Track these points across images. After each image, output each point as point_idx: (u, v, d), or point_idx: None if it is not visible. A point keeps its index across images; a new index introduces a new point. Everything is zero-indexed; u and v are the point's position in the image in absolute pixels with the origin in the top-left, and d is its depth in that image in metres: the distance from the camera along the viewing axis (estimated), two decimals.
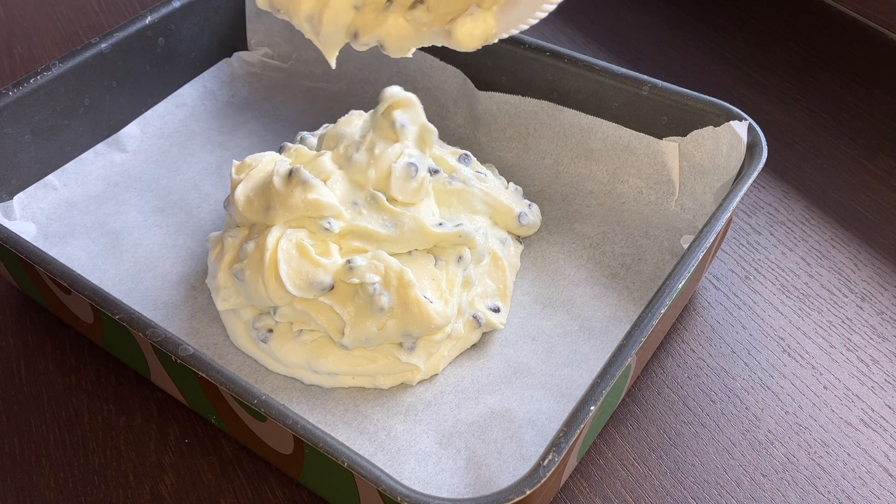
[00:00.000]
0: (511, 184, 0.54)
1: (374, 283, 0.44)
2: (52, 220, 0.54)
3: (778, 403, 0.47)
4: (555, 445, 0.36)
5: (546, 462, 0.35)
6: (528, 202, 0.54)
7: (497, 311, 0.49)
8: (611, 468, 0.44)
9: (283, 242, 0.45)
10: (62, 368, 0.49)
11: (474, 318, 0.48)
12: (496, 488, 0.40)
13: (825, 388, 0.48)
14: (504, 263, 0.50)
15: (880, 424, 0.46)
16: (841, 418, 0.46)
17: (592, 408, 0.37)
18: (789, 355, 0.49)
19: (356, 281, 0.45)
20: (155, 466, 0.45)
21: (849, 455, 0.45)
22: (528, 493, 0.35)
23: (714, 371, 0.48)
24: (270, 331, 0.47)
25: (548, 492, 0.41)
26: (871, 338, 0.50)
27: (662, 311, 0.40)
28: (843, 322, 0.51)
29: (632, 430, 0.46)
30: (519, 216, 0.52)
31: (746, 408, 0.47)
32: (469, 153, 0.53)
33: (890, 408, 0.47)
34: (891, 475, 0.44)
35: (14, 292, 0.53)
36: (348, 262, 0.45)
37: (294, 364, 0.46)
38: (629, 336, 0.40)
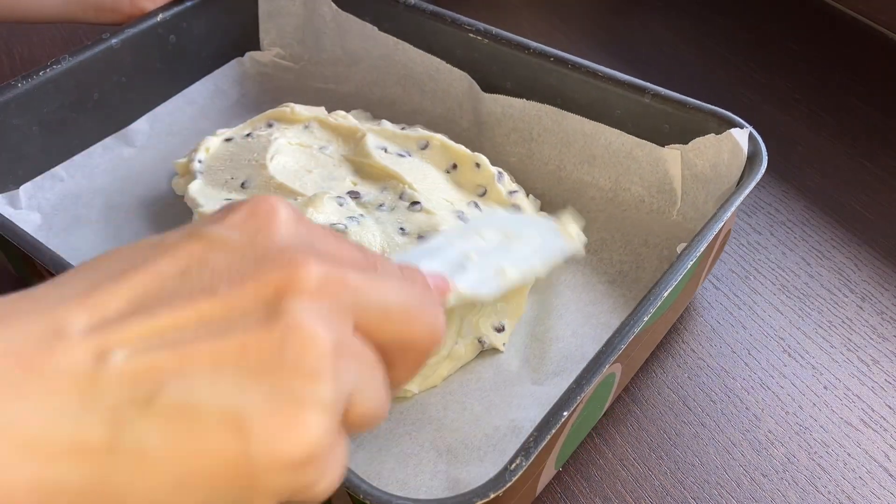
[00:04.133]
0: (531, 195, 0.55)
1: None
2: (56, 211, 0.54)
3: (778, 403, 0.47)
4: (523, 450, 0.35)
5: (513, 466, 0.34)
6: (545, 213, 0.54)
7: (501, 330, 0.48)
8: (611, 468, 0.44)
9: None
10: None
11: (479, 341, 0.47)
12: None
13: (825, 388, 0.48)
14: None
15: (880, 424, 0.46)
16: (841, 418, 0.46)
17: (565, 414, 0.36)
18: (789, 355, 0.49)
19: None
20: None
21: (849, 455, 0.45)
22: (491, 496, 0.34)
23: (714, 371, 0.48)
24: None
25: (520, 498, 0.40)
26: (871, 338, 0.50)
27: (646, 318, 0.40)
28: (843, 322, 0.51)
29: (632, 430, 0.46)
30: None
31: (746, 408, 0.47)
32: (503, 171, 0.53)
33: (890, 408, 0.47)
34: (891, 475, 0.44)
35: (14, 286, 0.53)
36: None
37: None
38: (609, 343, 0.39)
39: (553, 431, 0.36)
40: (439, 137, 0.55)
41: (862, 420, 0.46)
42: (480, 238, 0.40)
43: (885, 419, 0.46)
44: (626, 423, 0.46)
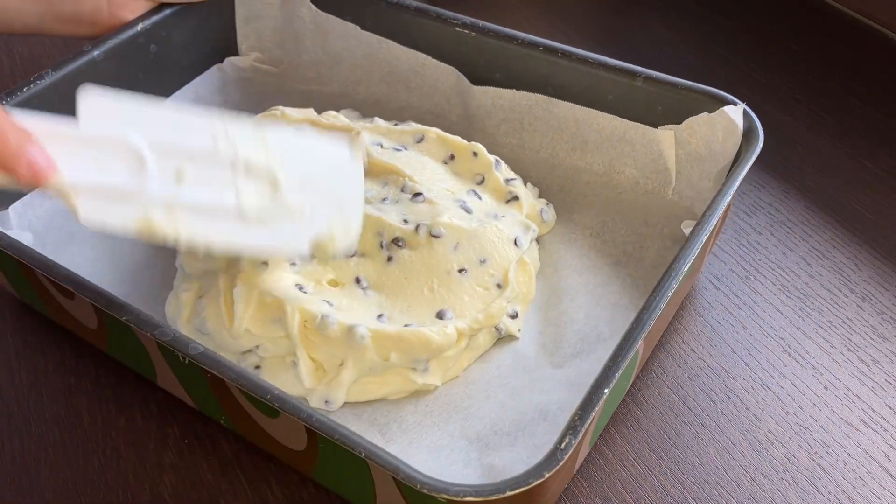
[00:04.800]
0: (528, 183, 0.55)
1: (359, 331, 0.44)
2: (48, 229, 0.54)
3: (778, 403, 0.47)
4: (571, 429, 0.36)
5: (563, 445, 0.36)
6: (545, 200, 0.54)
7: (514, 316, 0.49)
8: (611, 468, 0.44)
9: (235, 290, 0.45)
10: (62, 369, 0.49)
11: (496, 329, 0.48)
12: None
13: (825, 388, 0.48)
14: (531, 269, 0.50)
15: (880, 424, 0.46)
16: (841, 418, 0.46)
17: (606, 391, 0.37)
18: (790, 355, 0.49)
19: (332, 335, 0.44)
20: (155, 466, 0.45)
21: (849, 455, 0.45)
22: (546, 476, 0.35)
23: (714, 371, 0.48)
24: (258, 367, 0.46)
25: (562, 478, 0.41)
26: (871, 338, 0.50)
27: (670, 294, 0.41)
28: (843, 322, 0.51)
29: (632, 430, 0.46)
30: (541, 212, 0.53)
31: (747, 408, 0.47)
32: (499, 159, 0.54)
33: (890, 408, 0.47)
34: (891, 475, 0.44)
35: (15, 294, 0.53)
36: (323, 317, 0.44)
37: (293, 394, 0.45)
38: (638, 319, 0.40)
39: (597, 408, 0.37)
40: (434, 130, 0.55)
41: (862, 420, 0.46)
42: (233, 172, 0.38)
43: (885, 419, 0.46)
44: (626, 423, 0.46)
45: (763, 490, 0.43)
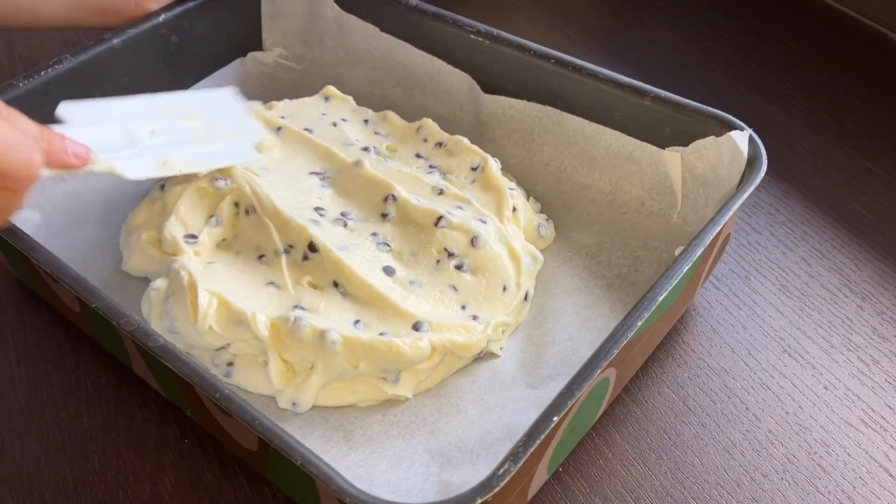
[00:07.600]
0: (531, 198, 0.55)
1: (331, 336, 0.43)
2: (57, 210, 0.54)
3: (778, 403, 0.47)
4: (512, 455, 0.35)
5: (501, 471, 0.34)
6: (545, 215, 0.54)
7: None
8: (611, 468, 0.44)
9: (200, 291, 0.45)
10: (62, 369, 0.49)
11: None
12: None
13: (825, 388, 0.48)
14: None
15: (880, 424, 0.46)
16: (841, 418, 0.46)
17: (555, 419, 0.36)
18: (789, 355, 0.49)
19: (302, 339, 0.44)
20: (155, 466, 0.45)
21: (849, 455, 0.45)
22: (479, 501, 0.34)
23: (714, 371, 0.48)
24: (231, 364, 0.46)
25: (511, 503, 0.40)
26: (871, 338, 0.50)
27: (639, 323, 0.39)
28: (843, 322, 0.51)
29: (632, 430, 0.46)
30: (538, 226, 0.52)
31: (747, 408, 0.47)
32: (497, 159, 0.54)
33: (890, 408, 0.47)
34: (891, 475, 0.44)
35: (14, 293, 0.53)
36: (296, 319, 0.44)
37: (265, 394, 0.46)
38: (601, 348, 0.39)
39: (543, 436, 0.35)
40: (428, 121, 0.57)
41: (862, 420, 0.46)
42: (180, 123, 0.51)
43: (885, 419, 0.46)
44: (626, 423, 0.46)
45: (763, 490, 0.43)
